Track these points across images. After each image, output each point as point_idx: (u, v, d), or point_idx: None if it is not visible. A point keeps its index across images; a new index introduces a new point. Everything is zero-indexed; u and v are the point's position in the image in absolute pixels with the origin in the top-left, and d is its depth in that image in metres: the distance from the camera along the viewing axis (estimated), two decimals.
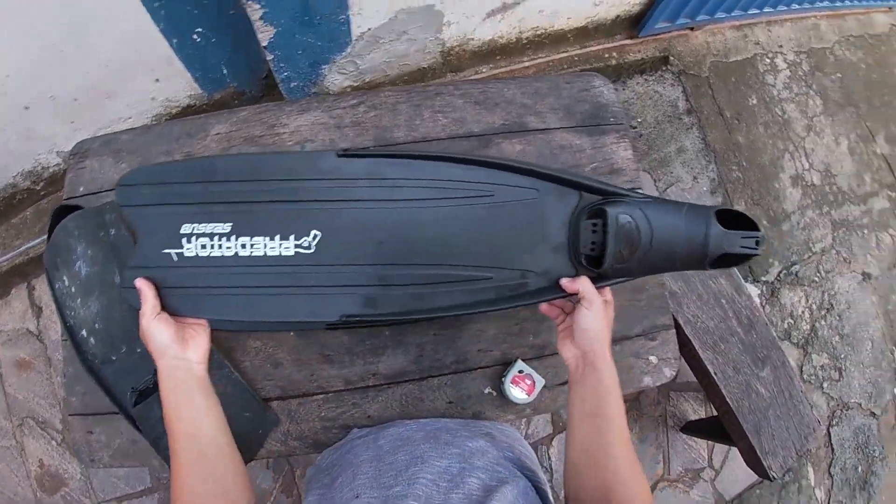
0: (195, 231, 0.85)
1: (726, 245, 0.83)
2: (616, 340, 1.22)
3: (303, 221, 0.85)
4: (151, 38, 1.74)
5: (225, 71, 2.02)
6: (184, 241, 0.85)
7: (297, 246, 0.85)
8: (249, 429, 1.13)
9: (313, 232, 0.85)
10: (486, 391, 1.18)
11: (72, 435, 1.14)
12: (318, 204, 0.86)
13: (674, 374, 1.24)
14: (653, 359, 1.23)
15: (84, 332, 1.08)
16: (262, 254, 0.85)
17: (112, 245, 1.09)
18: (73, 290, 1.09)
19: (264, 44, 1.73)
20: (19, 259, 2.25)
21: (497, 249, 0.90)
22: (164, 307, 0.84)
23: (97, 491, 2.25)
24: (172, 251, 0.85)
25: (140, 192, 0.86)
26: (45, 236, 2.17)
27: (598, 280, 0.90)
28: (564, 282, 0.88)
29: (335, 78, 2.02)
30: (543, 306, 0.94)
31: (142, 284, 0.82)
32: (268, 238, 0.85)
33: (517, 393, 1.13)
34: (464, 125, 1.28)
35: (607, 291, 0.91)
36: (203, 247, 0.85)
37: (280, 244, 0.85)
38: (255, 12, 1.62)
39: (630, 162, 1.32)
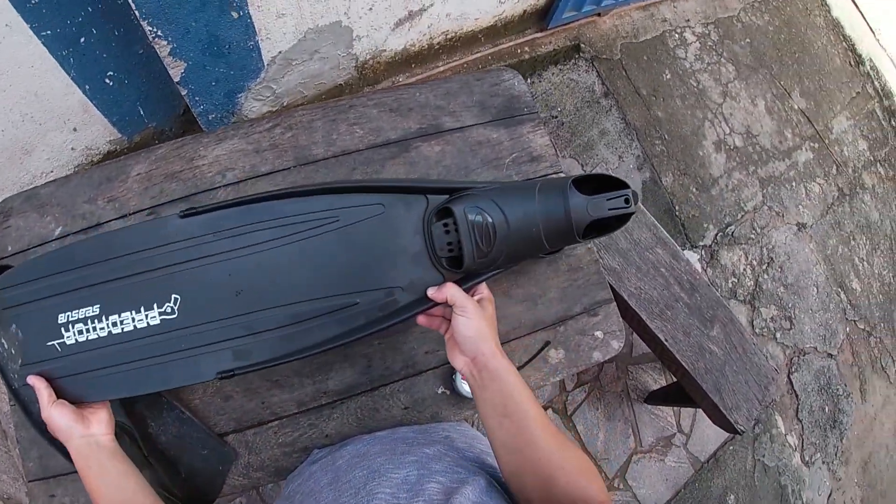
0: (70, 318, 0.87)
1: (592, 211, 0.82)
2: (560, 321, 1.25)
3: (160, 288, 0.86)
4: (64, 87, 1.70)
5: (142, 111, 1.99)
6: (62, 330, 0.88)
7: (160, 314, 0.86)
8: (209, 466, 1.11)
9: (173, 296, 0.86)
10: (440, 391, 1.19)
11: (34, 502, 1.10)
12: (171, 269, 0.87)
13: (621, 345, 1.27)
14: (598, 334, 1.26)
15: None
16: (132, 328, 0.86)
17: None
18: (12, 352, 1.05)
19: (176, 79, 1.71)
20: None
21: (356, 273, 0.89)
22: (61, 396, 0.88)
23: None
24: (55, 342, 0.88)
25: (17, 292, 0.90)
26: None
27: (468, 279, 0.89)
28: (431, 292, 0.86)
29: (252, 105, 2.01)
30: (421, 319, 0.91)
31: (33, 380, 0.87)
32: (134, 311, 0.86)
33: (469, 388, 1.14)
34: (381, 134, 1.30)
35: (482, 288, 0.90)
36: (80, 332, 0.87)
37: (146, 315, 0.86)
38: (163, 49, 1.61)
39: (548, 148, 1.35)
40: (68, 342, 0.88)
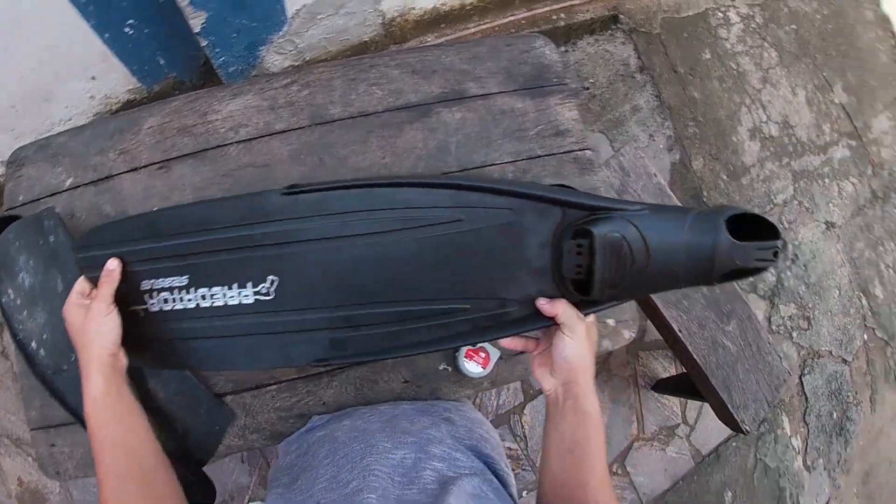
0: (154, 287, 0.85)
1: (738, 259, 0.71)
2: None
3: (257, 268, 0.83)
4: (83, 36, 1.69)
5: (162, 62, 1.97)
6: (146, 297, 0.86)
7: (255, 293, 0.83)
8: (206, 426, 1.12)
9: (270, 278, 0.82)
10: (441, 367, 1.16)
11: (35, 449, 1.12)
12: (270, 249, 0.82)
13: (633, 335, 1.23)
14: (610, 322, 1.23)
15: (34, 344, 1.07)
16: (222, 303, 0.84)
17: (52, 251, 1.07)
18: (18, 302, 1.08)
19: (197, 30, 1.69)
20: None
21: (472, 279, 0.82)
22: (139, 359, 0.87)
23: (78, 503, 2.23)
24: (138, 308, 0.86)
25: (95, 255, 0.87)
26: None
27: (587, 306, 0.80)
28: (542, 303, 0.77)
29: (274, 59, 1.97)
30: (506, 341, 0.84)
31: (114, 266, 0.84)
32: (226, 287, 0.83)
33: (472, 367, 1.12)
34: (401, 96, 1.25)
35: (593, 318, 0.82)
36: (165, 301, 0.85)
37: (239, 292, 0.83)
38: None
39: (576, 123, 1.30)
40: (152, 309, 0.86)
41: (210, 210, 0.87)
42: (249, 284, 0.82)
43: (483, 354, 1.12)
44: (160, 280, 0.85)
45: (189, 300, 0.84)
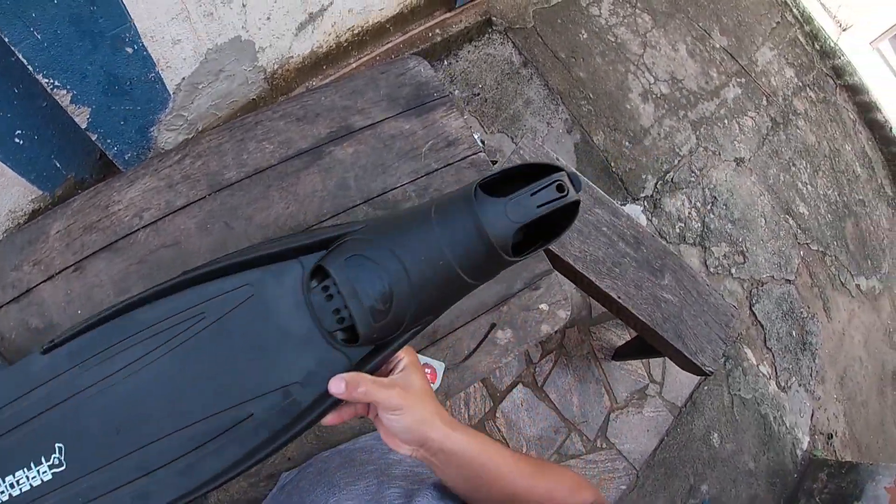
0: None
1: (514, 216, 0.60)
2: (503, 300, 1.25)
3: (42, 439, 0.74)
4: None
5: (58, 164, 1.93)
6: None
7: (50, 467, 0.74)
8: None
9: (56, 445, 0.74)
10: None
11: None
12: (46, 415, 0.74)
13: (568, 314, 1.28)
14: (543, 306, 1.27)
15: None
16: (28, 487, 0.74)
17: None
18: None
19: (84, 126, 1.67)
20: None
21: (242, 376, 0.71)
22: None
23: None
24: None
25: None
26: None
27: (380, 350, 0.68)
28: (333, 388, 0.61)
29: (167, 136, 1.97)
30: (329, 419, 0.68)
31: None
32: (25, 469, 0.74)
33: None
34: (291, 145, 1.28)
35: (400, 353, 0.70)
36: None
37: (38, 471, 0.74)
38: (63, 98, 1.57)
39: (463, 130, 1.35)
40: None
41: None
42: (42, 458, 0.73)
43: (429, 370, 1.14)
44: None
45: (2, 493, 0.76)
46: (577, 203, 0.63)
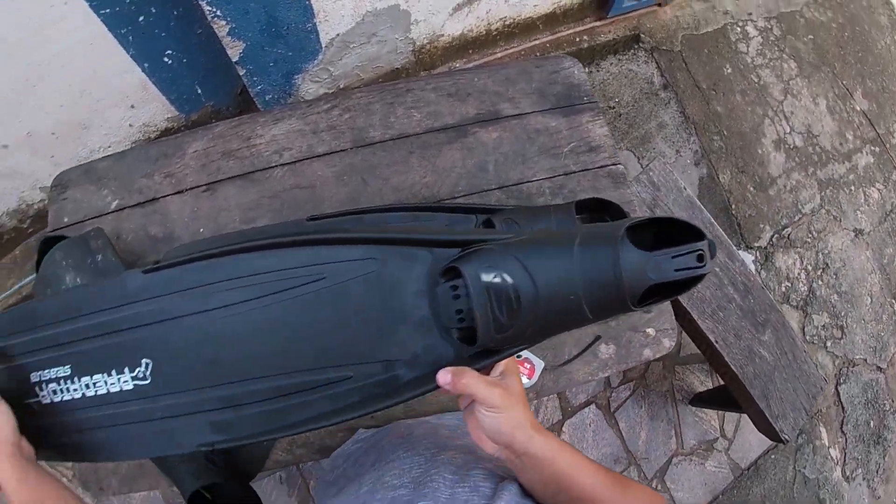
0: (43, 378, 0.81)
1: (653, 274, 0.59)
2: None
3: (130, 352, 0.77)
4: (123, 64, 1.74)
5: (199, 90, 2.02)
6: (37, 389, 0.81)
7: (133, 378, 0.77)
8: None
9: (143, 360, 0.77)
10: None
11: (78, 465, 1.13)
12: (138, 331, 0.77)
13: (672, 344, 1.24)
14: (650, 331, 1.24)
15: None
16: (105, 391, 0.78)
17: (101, 271, 1.08)
18: None
19: (235, 59, 1.73)
20: (13, 299, 2.24)
21: (348, 342, 0.72)
22: (43, 453, 0.81)
23: None
24: (32, 401, 0.82)
25: None
26: (35, 274, 2.18)
27: (486, 355, 0.69)
28: (441, 379, 0.63)
29: (309, 87, 2.02)
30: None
31: None
32: (105, 374, 0.78)
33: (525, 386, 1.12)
34: (438, 118, 1.29)
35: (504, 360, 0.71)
36: (55, 392, 0.81)
37: (118, 379, 0.77)
38: (221, 29, 1.62)
39: (607, 138, 1.32)
40: (44, 401, 0.81)
41: (79, 296, 0.82)
42: (126, 369, 0.77)
43: (528, 365, 1.13)
44: (46, 371, 0.80)
45: (75, 390, 0.79)
46: (703, 276, 0.61)
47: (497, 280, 0.63)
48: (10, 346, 0.82)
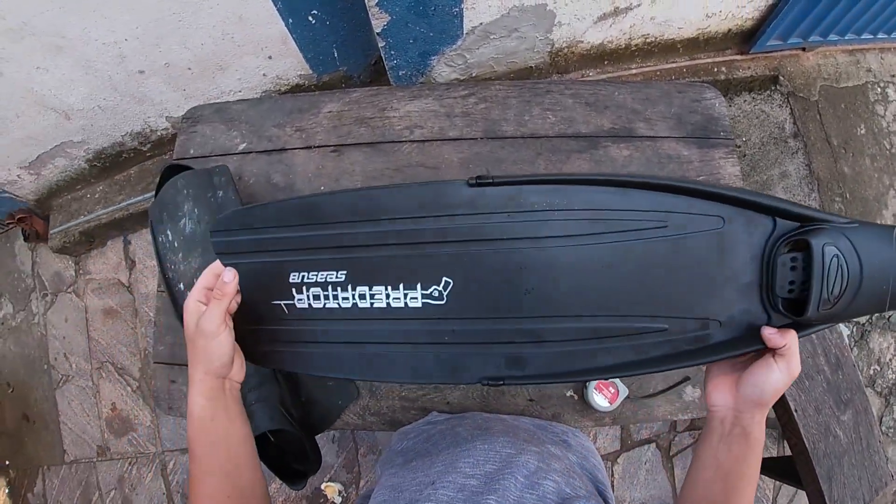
0: (305, 280, 0.76)
1: None
2: None
3: (430, 267, 0.72)
4: (268, 16, 1.80)
5: (336, 54, 2.07)
6: (294, 290, 0.76)
7: (424, 296, 0.72)
8: (329, 398, 1.16)
9: (444, 279, 0.72)
10: (569, 394, 1.17)
11: (155, 382, 1.19)
12: (449, 246, 0.72)
13: None
14: None
15: (181, 286, 1.12)
16: (384, 305, 0.73)
17: (219, 207, 1.13)
18: (175, 244, 1.13)
19: (378, 30, 1.77)
20: (119, 213, 2.37)
21: (673, 295, 0.71)
22: (273, 362, 0.79)
23: (164, 440, 2.35)
24: (282, 303, 0.77)
25: (237, 240, 0.78)
26: (146, 195, 2.30)
27: (797, 329, 0.69)
28: (769, 333, 0.66)
29: (443, 69, 2.04)
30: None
31: (230, 279, 0.72)
32: (390, 287, 0.73)
33: (600, 400, 1.12)
34: (572, 125, 1.28)
35: (796, 343, 0.70)
36: (316, 297, 0.75)
37: (405, 294, 0.73)
38: None
39: (737, 179, 1.29)
40: (299, 305, 0.76)
41: (383, 197, 0.75)
42: (419, 285, 0.72)
43: (612, 389, 1.12)
44: (313, 273, 0.75)
45: (345, 298, 0.74)
46: None
47: (836, 260, 0.66)
48: (266, 239, 0.77)
